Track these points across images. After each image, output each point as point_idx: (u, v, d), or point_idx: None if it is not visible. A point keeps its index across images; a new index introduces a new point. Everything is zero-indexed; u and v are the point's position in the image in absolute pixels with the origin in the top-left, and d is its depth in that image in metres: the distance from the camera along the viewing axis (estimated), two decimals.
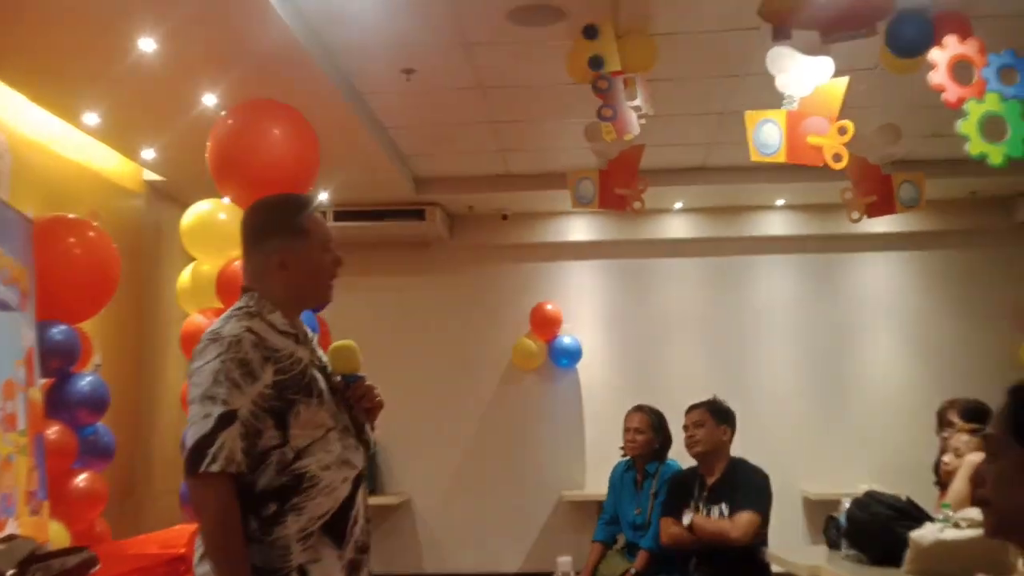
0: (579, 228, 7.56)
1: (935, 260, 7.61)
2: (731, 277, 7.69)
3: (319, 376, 2.28)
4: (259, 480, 2.14)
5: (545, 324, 7.34)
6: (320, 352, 2.39)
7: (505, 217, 7.56)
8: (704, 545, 4.06)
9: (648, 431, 4.93)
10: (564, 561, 2.15)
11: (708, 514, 4.12)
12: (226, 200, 5.17)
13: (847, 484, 7.13)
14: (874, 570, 3.62)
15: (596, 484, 7.20)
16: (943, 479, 4.20)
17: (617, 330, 7.64)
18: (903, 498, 3.83)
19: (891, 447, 7.17)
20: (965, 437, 3.93)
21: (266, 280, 2.32)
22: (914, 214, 5.09)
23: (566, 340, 7.39)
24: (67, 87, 4.68)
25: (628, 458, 5.07)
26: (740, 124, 4.09)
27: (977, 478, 1.71)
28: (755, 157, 3.81)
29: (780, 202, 7.51)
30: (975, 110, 3.65)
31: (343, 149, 5.57)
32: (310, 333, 2.41)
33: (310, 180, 4.20)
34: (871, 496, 3.86)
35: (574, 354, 7.40)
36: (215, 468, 2.04)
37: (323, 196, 6.67)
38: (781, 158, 3.81)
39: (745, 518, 4.02)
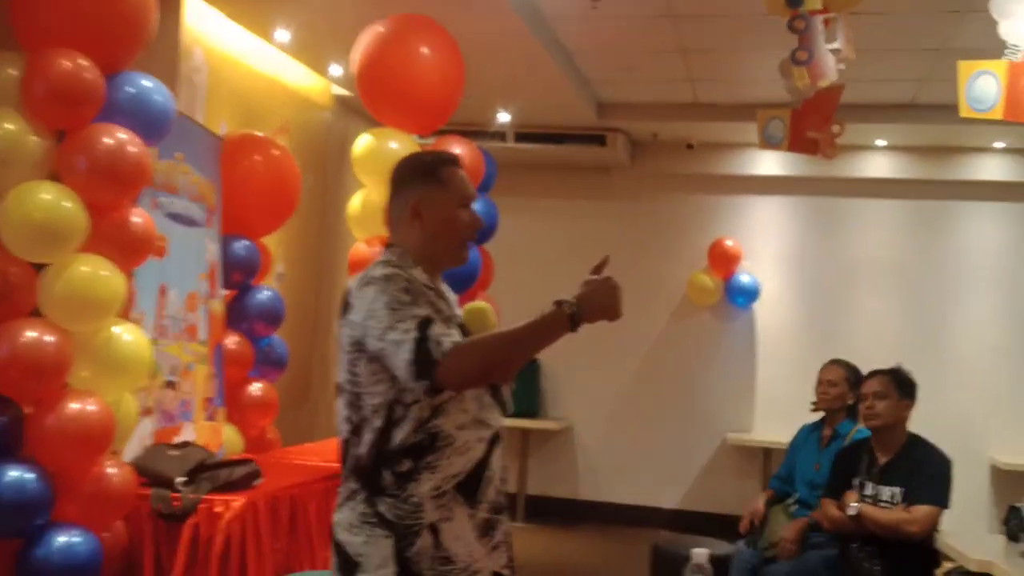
0: (768, 162, 7.16)
1: None
2: (935, 223, 7.13)
3: (457, 333, 2.23)
4: (396, 436, 2.14)
5: (723, 260, 7.07)
6: (459, 311, 2.35)
7: (690, 146, 7.26)
8: (870, 531, 3.80)
9: (842, 384, 4.63)
10: (699, 553, 2.04)
11: (877, 496, 3.83)
12: None
13: None
14: None
15: (763, 430, 6.99)
16: None
17: (801, 272, 7.27)
18: None
19: None
20: None
21: (402, 231, 2.29)
22: None
23: (744, 278, 7.11)
24: (260, 3, 4.78)
25: (817, 420, 4.81)
26: (957, 63, 3.67)
27: None
28: (965, 113, 3.42)
29: (1000, 144, 6.82)
30: None
31: (523, 73, 5.47)
32: (451, 294, 2.37)
33: (454, 100, 4.18)
34: None
35: (751, 293, 7.12)
36: (447, 348, 2.03)
37: (505, 117, 6.62)
38: (997, 115, 3.41)
39: (925, 511, 3.69)
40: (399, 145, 4.11)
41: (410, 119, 4.15)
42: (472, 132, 5.65)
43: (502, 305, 4.72)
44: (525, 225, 7.23)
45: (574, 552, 6.60)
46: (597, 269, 2.23)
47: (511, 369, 2.18)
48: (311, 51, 5.56)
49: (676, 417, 7.29)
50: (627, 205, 7.48)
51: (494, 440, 2.26)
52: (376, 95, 4.17)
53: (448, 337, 2.06)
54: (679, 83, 6.15)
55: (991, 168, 6.98)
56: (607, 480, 7.41)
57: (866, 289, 7.16)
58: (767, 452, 6.82)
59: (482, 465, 2.22)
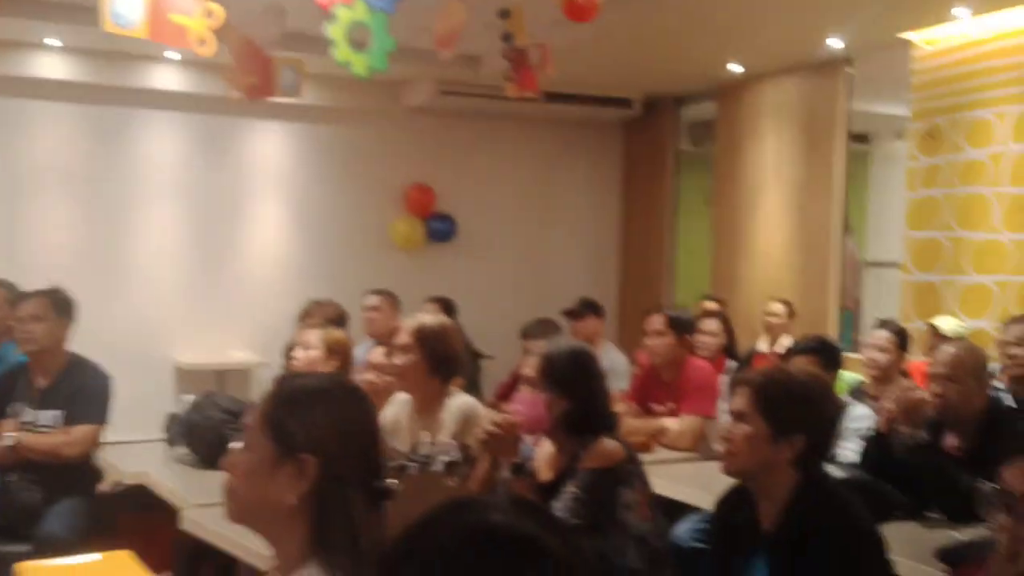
0: None
1: (325, 135, 7.71)
2: (115, 131, 7.01)
3: None
4: None
5: None
6: None
7: None
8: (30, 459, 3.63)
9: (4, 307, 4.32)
10: None
11: (36, 422, 3.67)
12: None
13: (222, 353, 7.17)
14: (204, 472, 3.59)
15: None
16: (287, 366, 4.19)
17: None
18: (243, 402, 3.84)
19: (268, 317, 7.21)
20: (316, 336, 3.89)
21: None
22: (308, 89, 4.94)
23: None
24: None
25: None
26: None
27: (229, 460, 1.62)
28: (108, 27, 3.34)
29: (174, 55, 6.96)
30: (344, 16, 3.60)
31: None
32: None
33: None
34: (209, 398, 3.81)
35: None
36: None
37: None
38: (141, 33, 3.40)
39: (84, 431, 3.65)
40: None
41: None
42: None
43: None
44: None
45: None
46: None
47: None
48: None
49: None
50: None
51: None
52: None
53: None
54: None
55: (168, 78, 7.09)
56: None
57: (44, 197, 6.77)
58: None
59: None
